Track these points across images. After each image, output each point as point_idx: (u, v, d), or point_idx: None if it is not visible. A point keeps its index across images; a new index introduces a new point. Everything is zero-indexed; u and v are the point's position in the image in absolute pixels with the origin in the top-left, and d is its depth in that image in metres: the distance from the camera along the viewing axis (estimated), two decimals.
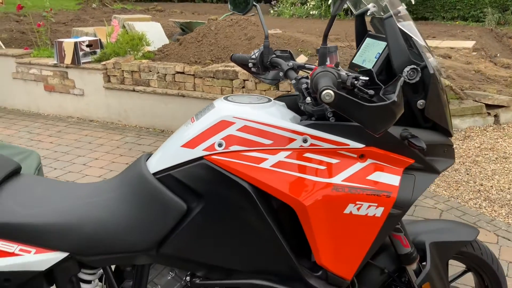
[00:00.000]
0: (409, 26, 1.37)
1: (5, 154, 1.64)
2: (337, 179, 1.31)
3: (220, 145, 1.31)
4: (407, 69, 1.36)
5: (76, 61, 5.39)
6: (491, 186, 3.62)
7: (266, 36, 1.62)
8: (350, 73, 1.25)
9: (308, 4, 12.80)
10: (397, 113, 1.12)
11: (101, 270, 1.50)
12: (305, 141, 1.31)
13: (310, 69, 1.49)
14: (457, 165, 4.03)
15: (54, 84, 5.69)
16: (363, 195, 1.31)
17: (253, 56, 1.65)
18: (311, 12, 12.40)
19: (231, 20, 5.60)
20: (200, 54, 5.33)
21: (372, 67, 1.43)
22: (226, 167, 1.30)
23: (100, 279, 1.53)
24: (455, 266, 1.96)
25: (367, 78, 1.24)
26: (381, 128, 1.13)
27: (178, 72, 4.95)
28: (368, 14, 1.59)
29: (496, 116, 4.85)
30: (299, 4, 13.14)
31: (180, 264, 1.42)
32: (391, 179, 1.34)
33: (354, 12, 1.60)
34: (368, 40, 1.54)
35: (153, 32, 6.44)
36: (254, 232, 1.34)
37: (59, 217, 1.38)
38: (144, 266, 1.45)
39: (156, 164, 1.39)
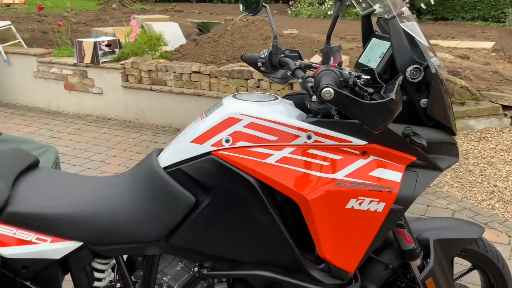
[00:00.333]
0: (412, 27, 1.40)
1: (25, 148, 1.72)
2: (340, 175, 1.35)
3: (227, 141, 1.37)
4: (410, 68, 1.39)
5: (95, 61, 5.51)
6: (505, 187, 3.60)
7: (275, 36, 1.67)
8: (352, 72, 1.29)
9: (326, 4, 12.79)
10: (395, 111, 1.16)
11: (114, 260, 1.56)
12: (309, 137, 1.35)
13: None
14: (472, 166, 4.02)
15: (74, 83, 5.82)
16: (365, 190, 1.35)
17: (262, 56, 1.70)
18: (328, 12, 12.38)
19: (247, 20, 5.66)
20: (216, 54, 5.39)
21: (376, 67, 1.46)
22: (233, 162, 1.35)
23: (112, 269, 1.59)
24: (460, 264, 1.98)
25: (369, 77, 1.28)
26: (380, 125, 1.17)
27: (194, 72, 5.03)
28: (375, 13, 1.62)
29: None
30: (316, 4, 13.13)
31: (188, 254, 1.47)
32: (393, 175, 1.37)
33: (361, 13, 1.63)
34: (374, 40, 1.58)
35: (171, 32, 6.54)
36: (259, 225, 1.39)
37: (74, 208, 1.45)
38: (154, 257, 1.51)
39: (166, 158, 1.45)
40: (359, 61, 1.60)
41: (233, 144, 1.36)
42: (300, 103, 1.54)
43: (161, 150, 1.54)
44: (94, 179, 1.62)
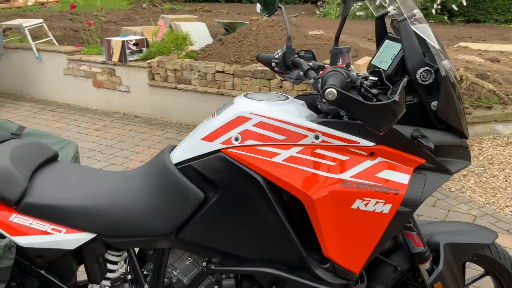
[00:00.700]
0: (424, 29, 1.40)
1: (46, 142, 1.79)
2: (346, 175, 1.36)
3: (236, 139, 1.39)
4: (420, 70, 1.39)
5: (123, 59, 5.63)
6: None
7: (289, 37, 1.68)
8: (360, 73, 1.29)
9: (355, 5, 12.69)
10: (398, 112, 1.16)
11: (126, 253, 1.61)
12: (316, 137, 1.37)
13: None
14: (496, 171, 3.94)
15: (102, 81, 5.96)
16: (371, 191, 1.35)
17: (276, 56, 1.72)
18: (357, 13, 12.27)
19: (272, 21, 5.68)
20: (240, 54, 5.43)
21: (387, 68, 1.46)
22: (241, 160, 1.38)
23: (124, 261, 1.64)
24: (474, 269, 1.96)
25: (376, 79, 1.28)
26: (383, 126, 1.17)
27: (218, 71, 5.08)
28: (389, 15, 1.62)
29: None
30: None
31: (197, 249, 1.51)
32: (400, 177, 1.37)
33: (375, 14, 1.64)
34: (386, 42, 1.58)
35: (198, 32, 6.60)
36: (265, 223, 1.41)
37: (89, 201, 1.50)
38: (164, 251, 1.55)
39: (178, 155, 1.49)
40: (371, 62, 1.60)
41: (242, 143, 1.39)
42: (312, 104, 1.56)
43: (174, 147, 1.58)
44: (109, 173, 1.67)
